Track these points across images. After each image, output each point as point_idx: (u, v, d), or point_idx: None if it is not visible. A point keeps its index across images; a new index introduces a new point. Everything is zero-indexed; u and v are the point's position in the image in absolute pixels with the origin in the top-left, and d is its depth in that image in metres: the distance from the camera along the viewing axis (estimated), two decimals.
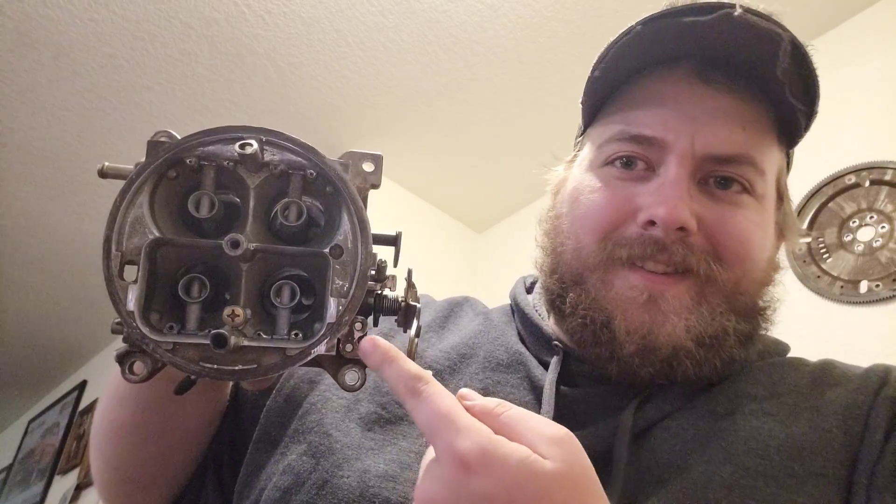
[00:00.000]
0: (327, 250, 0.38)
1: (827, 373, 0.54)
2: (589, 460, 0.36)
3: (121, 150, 2.20)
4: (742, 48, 0.52)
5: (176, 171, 0.38)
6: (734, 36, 0.51)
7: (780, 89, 0.52)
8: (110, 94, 2.04)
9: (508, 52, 1.89)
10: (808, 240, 1.57)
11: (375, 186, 0.40)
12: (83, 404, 3.36)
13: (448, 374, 0.57)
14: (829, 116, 1.56)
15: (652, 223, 0.51)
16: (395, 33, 1.86)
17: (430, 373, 0.37)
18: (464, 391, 0.38)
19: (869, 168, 1.53)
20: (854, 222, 1.53)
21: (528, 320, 0.62)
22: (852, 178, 1.55)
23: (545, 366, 0.57)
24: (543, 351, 0.59)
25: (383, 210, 2.06)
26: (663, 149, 0.53)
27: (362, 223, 0.38)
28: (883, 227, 1.48)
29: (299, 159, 0.39)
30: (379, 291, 0.41)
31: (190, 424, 0.58)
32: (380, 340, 0.38)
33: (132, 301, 0.36)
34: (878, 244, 1.47)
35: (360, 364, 0.39)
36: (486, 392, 0.55)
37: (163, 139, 0.38)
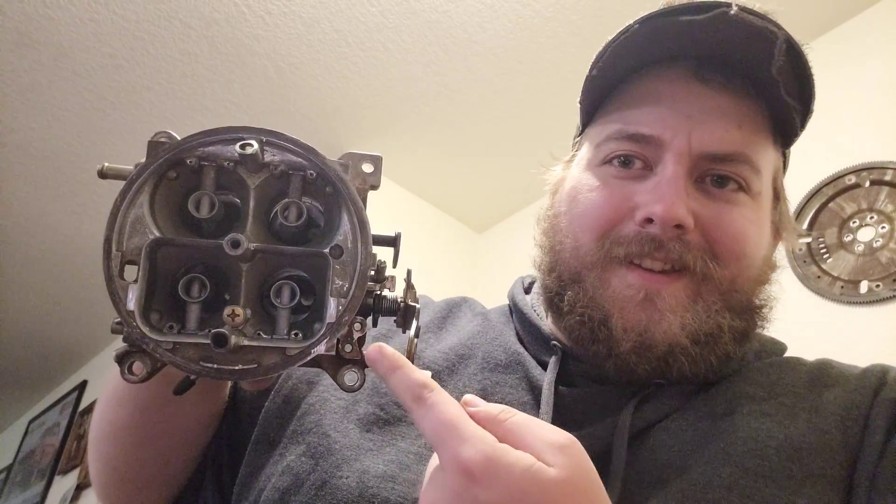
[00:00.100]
0: (327, 250, 0.38)
1: (824, 373, 0.54)
2: (593, 466, 0.37)
3: (121, 150, 2.20)
4: (738, 47, 0.52)
5: (176, 171, 0.38)
6: (730, 34, 0.51)
7: (776, 88, 0.52)
8: (110, 94, 2.04)
9: (508, 52, 1.89)
10: (808, 240, 1.57)
11: (375, 187, 0.40)
12: (83, 404, 3.35)
13: (446, 374, 0.57)
14: (830, 117, 1.57)
15: (649, 221, 0.51)
16: (395, 33, 1.86)
17: (434, 382, 0.37)
18: (468, 397, 0.38)
19: (869, 168, 1.53)
20: (854, 222, 1.53)
21: (527, 320, 0.62)
22: (852, 179, 1.55)
23: (543, 366, 0.57)
24: (542, 351, 0.59)
25: (383, 210, 2.06)
26: (660, 147, 0.53)
27: (362, 223, 0.38)
28: (883, 227, 1.48)
29: (299, 160, 0.39)
30: (378, 292, 0.41)
31: (189, 425, 0.58)
32: (386, 348, 0.39)
33: (132, 301, 0.36)
34: (879, 244, 1.47)
35: (360, 364, 0.40)
36: (484, 392, 0.55)
37: (163, 139, 0.38)
